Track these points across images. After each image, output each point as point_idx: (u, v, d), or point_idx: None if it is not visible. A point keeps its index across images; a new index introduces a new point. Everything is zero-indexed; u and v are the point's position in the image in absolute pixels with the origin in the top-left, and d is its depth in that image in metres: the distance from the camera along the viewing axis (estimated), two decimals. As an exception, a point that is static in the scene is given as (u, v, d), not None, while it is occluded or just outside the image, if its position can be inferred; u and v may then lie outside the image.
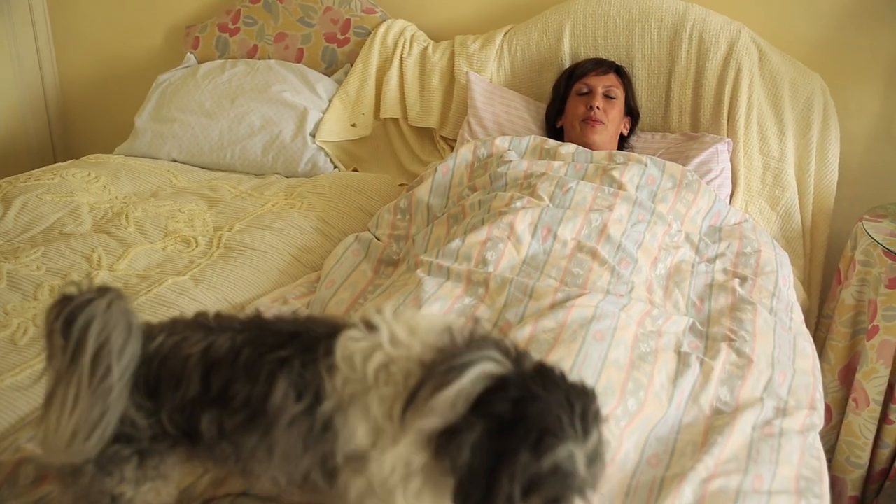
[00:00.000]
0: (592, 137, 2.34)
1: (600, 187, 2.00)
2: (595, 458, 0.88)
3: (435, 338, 0.95)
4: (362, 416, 0.92)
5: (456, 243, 1.82)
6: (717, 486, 1.28)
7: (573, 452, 0.85)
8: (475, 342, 0.94)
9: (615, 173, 2.07)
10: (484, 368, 0.89)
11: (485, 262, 1.75)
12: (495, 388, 0.88)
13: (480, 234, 1.82)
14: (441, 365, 0.90)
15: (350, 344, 0.95)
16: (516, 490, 0.84)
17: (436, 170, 2.27)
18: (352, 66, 2.89)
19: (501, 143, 2.31)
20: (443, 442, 0.87)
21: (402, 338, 0.95)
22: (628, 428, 1.36)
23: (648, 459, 1.34)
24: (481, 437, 0.86)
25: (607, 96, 2.40)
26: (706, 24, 2.48)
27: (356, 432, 0.92)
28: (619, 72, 2.50)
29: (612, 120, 2.39)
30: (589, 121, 2.35)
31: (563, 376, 0.91)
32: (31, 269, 1.92)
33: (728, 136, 2.46)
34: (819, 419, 1.54)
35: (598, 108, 2.36)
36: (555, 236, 1.81)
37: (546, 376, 0.89)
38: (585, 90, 2.41)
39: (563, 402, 0.87)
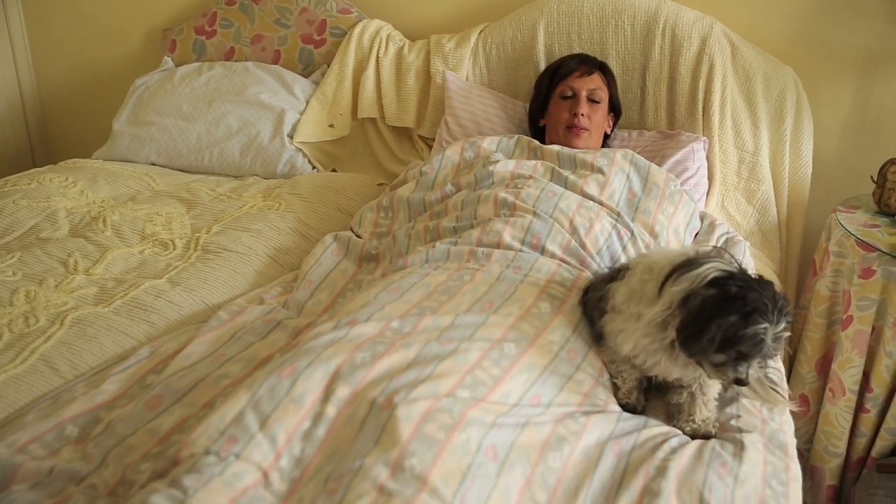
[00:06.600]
0: (576, 144, 2.31)
1: (583, 202, 2.00)
2: (778, 339, 1.29)
3: (680, 255, 1.40)
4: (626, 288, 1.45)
5: (445, 245, 1.85)
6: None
7: (768, 329, 1.25)
8: (709, 255, 1.38)
9: (595, 185, 2.08)
10: (716, 265, 1.33)
11: (476, 259, 1.78)
12: (725, 277, 1.30)
13: (470, 239, 1.86)
14: (687, 262, 1.36)
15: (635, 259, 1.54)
16: (718, 336, 1.26)
17: (421, 173, 2.28)
18: (328, 66, 2.90)
19: (489, 145, 2.30)
20: (684, 300, 1.31)
21: (658, 256, 1.44)
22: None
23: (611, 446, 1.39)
24: (712, 296, 1.28)
25: (591, 100, 2.36)
26: (678, 20, 2.49)
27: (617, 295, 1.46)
28: (604, 69, 2.46)
29: (596, 125, 2.36)
30: (573, 128, 2.32)
31: (769, 281, 1.32)
32: (6, 275, 1.91)
33: (703, 131, 2.48)
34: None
35: (582, 115, 2.32)
36: (542, 249, 1.84)
37: (760, 279, 1.33)
38: (569, 93, 2.37)
39: (771, 296, 1.28)
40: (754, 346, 1.26)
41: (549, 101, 2.44)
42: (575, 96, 2.36)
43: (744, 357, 1.29)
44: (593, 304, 1.57)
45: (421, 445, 1.18)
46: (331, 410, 1.28)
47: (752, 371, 1.32)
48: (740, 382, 1.33)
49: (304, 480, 1.21)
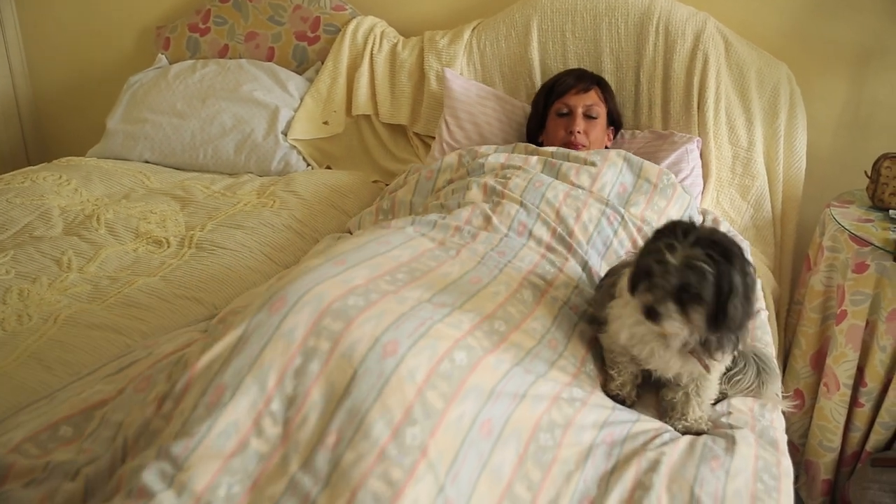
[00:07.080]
0: None
1: (571, 191, 2.00)
2: (692, 264, 1.26)
3: None
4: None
5: (433, 217, 1.85)
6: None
7: (674, 245, 1.28)
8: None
9: (587, 177, 2.08)
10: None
11: (461, 235, 1.78)
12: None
13: (459, 217, 1.86)
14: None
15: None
16: (636, 259, 1.36)
17: (419, 175, 2.28)
18: (322, 63, 2.90)
19: (486, 150, 2.29)
20: None
21: None
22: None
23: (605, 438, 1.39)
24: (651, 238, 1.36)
25: (588, 116, 2.34)
26: (672, 16, 2.49)
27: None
28: (601, 84, 2.44)
29: (594, 141, 2.34)
30: (570, 145, 2.30)
31: (694, 225, 1.32)
32: (-1, 274, 1.92)
33: (698, 128, 2.48)
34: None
35: (579, 132, 2.31)
36: (530, 233, 1.85)
37: (687, 223, 1.33)
38: (566, 111, 2.35)
39: (689, 223, 1.31)
40: (657, 261, 1.29)
41: (547, 118, 2.43)
42: (571, 113, 2.35)
43: (653, 280, 1.30)
44: (606, 289, 1.57)
45: (422, 413, 1.18)
46: (324, 344, 1.25)
47: (670, 314, 1.30)
48: (649, 314, 1.31)
49: (297, 422, 1.19)
